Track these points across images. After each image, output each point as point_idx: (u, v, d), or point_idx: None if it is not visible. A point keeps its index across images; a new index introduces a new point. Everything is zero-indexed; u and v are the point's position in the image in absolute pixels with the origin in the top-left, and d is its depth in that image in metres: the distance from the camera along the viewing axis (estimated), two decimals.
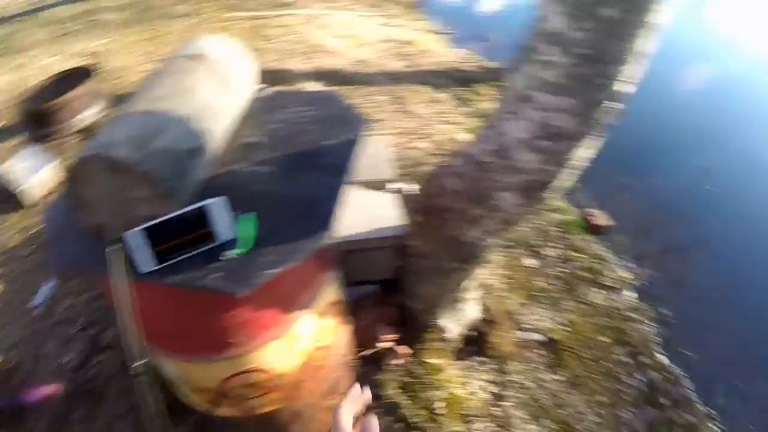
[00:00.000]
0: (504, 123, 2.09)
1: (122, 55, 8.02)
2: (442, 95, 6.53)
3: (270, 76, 5.24)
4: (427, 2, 10.35)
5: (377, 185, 3.51)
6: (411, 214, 2.98)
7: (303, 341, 2.24)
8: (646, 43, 1.79)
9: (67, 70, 4.28)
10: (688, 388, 3.96)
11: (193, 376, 2.23)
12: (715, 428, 3.74)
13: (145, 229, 1.61)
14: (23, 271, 4.62)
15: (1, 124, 6.34)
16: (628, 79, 1.90)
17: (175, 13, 9.47)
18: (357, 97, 6.19)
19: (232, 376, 2.15)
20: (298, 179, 1.98)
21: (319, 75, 6.42)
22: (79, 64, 5.87)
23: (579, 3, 1.64)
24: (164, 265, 1.67)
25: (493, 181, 2.23)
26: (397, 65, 7.25)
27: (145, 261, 1.65)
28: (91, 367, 3.75)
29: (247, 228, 1.74)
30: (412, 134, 5.74)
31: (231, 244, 1.72)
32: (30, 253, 4.77)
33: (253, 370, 2.15)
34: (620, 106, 1.97)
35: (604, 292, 4.44)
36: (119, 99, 4.50)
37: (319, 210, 1.84)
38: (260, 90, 2.53)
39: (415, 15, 9.44)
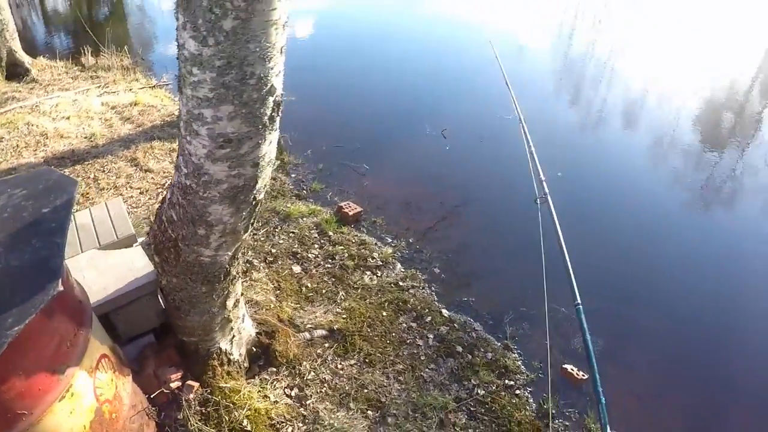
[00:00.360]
0: (186, 145, 2.32)
1: None
2: (174, 145, 6.73)
3: (5, 176, 5.16)
4: (141, 62, 10.44)
5: (124, 243, 3.63)
6: (152, 256, 3.13)
7: (86, 398, 2.38)
8: (281, 38, 2.09)
9: None
10: (478, 330, 4.35)
11: None
12: (514, 354, 4.16)
13: None
14: None
15: None
16: (279, 73, 2.19)
17: None
18: (95, 171, 6.20)
19: None
20: (22, 250, 2.14)
21: (54, 160, 6.35)
22: None
23: (202, 23, 1.89)
24: None
25: (199, 200, 2.45)
26: (125, 129, 7.34)
27: None
28: None
29: None
30: (156, 189, 5.86)
31: None
32: None
33: None
34: (279, 99, 2.25)
35: (373, 272, 4.77)
36: None
37: (44, 268, 2.03)
38: None
39: (132, 76, 9.55)
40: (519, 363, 4.11)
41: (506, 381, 3.93)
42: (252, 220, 2.69)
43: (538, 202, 3.91)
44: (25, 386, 2.12)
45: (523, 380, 3.96)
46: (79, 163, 6.30)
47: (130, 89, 8.98)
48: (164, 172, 6.19)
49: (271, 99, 2.18)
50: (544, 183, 3.96)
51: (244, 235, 2.73)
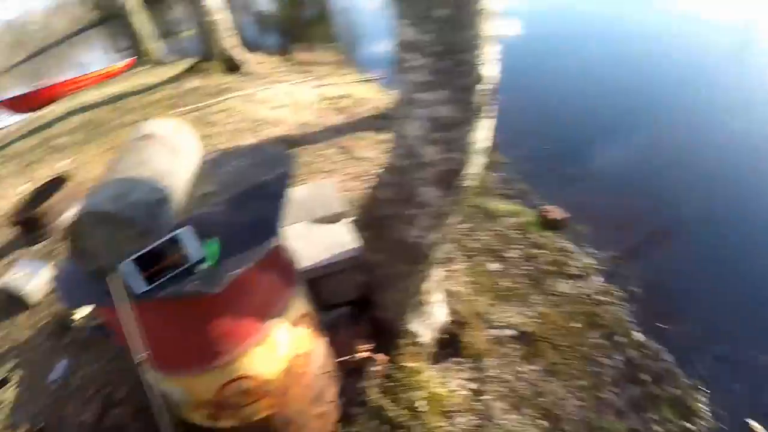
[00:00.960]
0: (402, 127, 2.50)
1: (86, 169, 8.58)
2: (384, 136, 7.02)
3: None
4: (352, 56, 10.91)
5: (332, 219, 3.92)
6: (359, 232, 3.36)
7: (282, 348, 2.71)
8: (491, 28, 2.21)
9: (44, 183, 4.83)
10: (669, 362, 4.15)
11: (193, 389, 2.68)
12: (702, 398, 3.91)
13: (133, 260, 2.12)
14: (38, 357, 5.19)
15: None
16: (490, 62, 2.31)
17: (125, 123, 10.13)
18: (307, 156, 6.71)
19: (226, 384, 2.61)
20: (247, 209, 2.52)
21: (270, 144, 6.87)
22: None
23: (416, 12, 2.06)
24: (153, 285, 2.18)
25: (411, 180, 2.63)
26: (337, 119, 7.81)
27: (138, 285, 2.16)
28: (108, 420, 4.15)
29: (212, 248, 2.26)
30: (364, 177, 6.22)
31: (201, 262, 2.23)
32: (42, 342, 5.31)
33: (242, 377, 2.61)
34: (492, 86, 2.37)
35: (571, 281, 4.76)
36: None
37: (266, 225, 2.37)
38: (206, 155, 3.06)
39: (343, 70, 10.10)
40: (705, 408, 3.88)
41: (686, 424, 3.73)
42: (458, 206, 2.81)
43: None
44: (232, 327, 2.46)
45: (704, 427, 3.75)
46: (293, 147, 6.78)
47: (342, 83, 9.50)
48: (373, 161, 6.52)
49: (480, 87, 2.30)
50: None
51: (450, 219, 2.87)
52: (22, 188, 8.96)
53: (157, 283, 2.19)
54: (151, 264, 2.17)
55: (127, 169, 2.46)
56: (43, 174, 9.18)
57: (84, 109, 11.96)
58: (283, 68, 10.88)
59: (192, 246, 2.20)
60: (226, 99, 9.54)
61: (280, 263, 2.72)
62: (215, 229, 2.39)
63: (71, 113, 11.96)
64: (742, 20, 11.18)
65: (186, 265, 2.21)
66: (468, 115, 2.35)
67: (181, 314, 2.36)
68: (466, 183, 2.69)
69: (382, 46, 12.42)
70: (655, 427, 3.64)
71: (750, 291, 4.55)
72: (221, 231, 2.38)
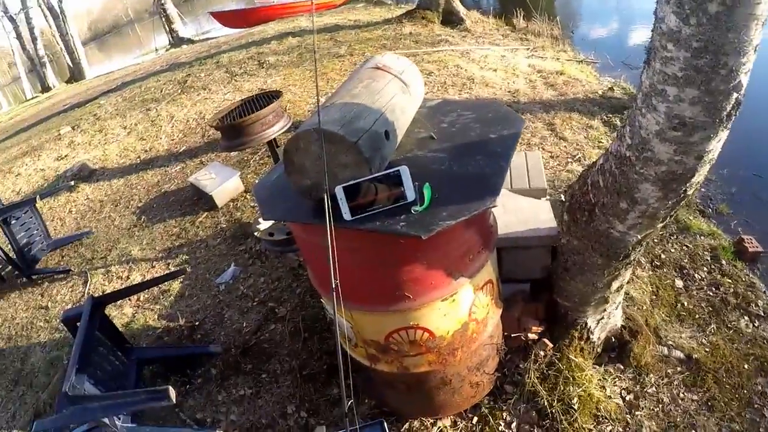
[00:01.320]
0: (639, 118, 2.43)
1: (290, 90, 8.97)
2: (593, 122, 6.92)
3: None
4: (571, 35, 10.69)
5: (535, 193, 3.90)
6: (561, 213, 3.32)
7: (462, 309, 2.74)
8: (759, 35, 2.10)
9: (257, 93, 5.07)
10: None
11: (366, 327, 2.77)
12: None
13: (348, 186, 2.20)
14: (211, 257, 5.60)
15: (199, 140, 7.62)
16: (747, 71, 2.20)
17: (333, 53, 10.44)
18: None
19: (398, 330, 2.68)
20: (466, 162, 2.52)
21: None
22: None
23: (687, 1, 1.97)
24: (359, 216, 2.24)
25: (634, 174, 2.56)
26: (548, 94, 7.69)
27: (346, 212, 2.23)
28: (264, 332, 4.38)
29: (426, 192, 2.28)
30: (566, 157, 6.14)
31: (412, 204, 2.25)
32: (218, 244, 5.71)
33: (417, 327, 2.67)
34: (742, 95, 2.26)
35: (752, 320, 4.52)
36: (296, 125, 5.27)
37: (485, 182, 2.36)
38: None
39: (560, 47, 9.92)
40: None
41: None
42: (673, 212, 2.73)
43: None
44: (423, 275, 2.49)
45: None
46: None
47: (557, 58, 9.38)
48: (577, 144, 6.42)
49: (735, 95, 2.21)
50: None
51: (660, 224, 2.78)
52: (226, 96, 9.50)
53: (364, 214, 2.23)
54: (363, 195, 2.22)
55: (358, 96, 2.51)
56: (249, 87, 9.68)
57: (297, 34, 12.44)
58: (500, 32, 10.85)
59: (407, 186, 2.23)
60: (440, 51, 9.62)
61: (484, 225, 2.73)
62: (431, 175, 2.40)
63: (284, 35, 12.46)
64: None
65: (397, 204, 2.25)
66: (714, 121, 2.25)
67: (380, 250, 2.41)
68: (690, 191, 2.60)
69: (600, 30, 12.14)
70: None
71: None
72: (437, 178, 2.39)
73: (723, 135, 2.39)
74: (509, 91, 7.75)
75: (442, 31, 10.83)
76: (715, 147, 2.42)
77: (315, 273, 2.99)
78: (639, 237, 2.85)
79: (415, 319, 2.63)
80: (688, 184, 2.53)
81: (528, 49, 9.85)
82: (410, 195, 2.24)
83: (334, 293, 1.76)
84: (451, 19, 11.14)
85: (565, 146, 6.37)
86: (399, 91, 2.69)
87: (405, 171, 2.21)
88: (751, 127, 7.80)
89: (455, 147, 2.63)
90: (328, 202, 1.97)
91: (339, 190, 2.19)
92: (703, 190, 6.31)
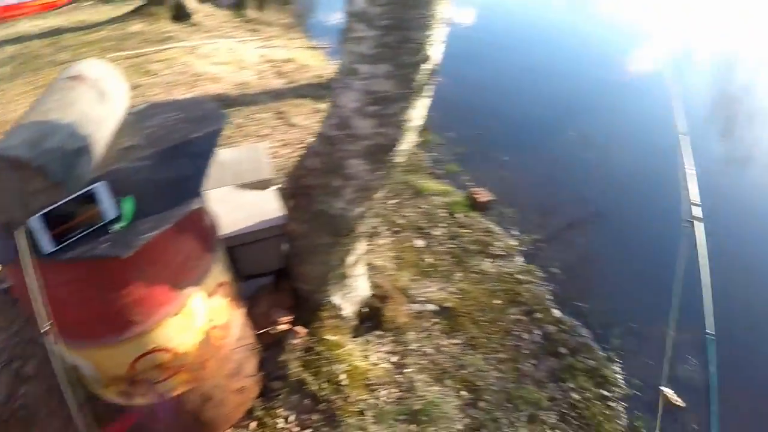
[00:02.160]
0: (339, 97, 2.45)
1: (10, 107, 8.15)
2: (323, 105, 6.89)
3: None
4: (303, 22, 10.79)
5: (260, 185, 3.82)
6: (284, 201, 3.29)
7: (198, 319, 2.56)
8: (445, 10, 2.18)
9: None
10: (585, 336, 4.28)
11: (105, 363, 2.50)
12: (616, 368, 4.06)
13: (43, 215, 1.93)
14: None
15: None
16: (436, 43, 2.28)
17: (58, 61, 9.59)
18: (242, 117, 6.51)
19: (139, 358, 2.44)
20: (169, 166, 2.34)
21: None
22: None
23: None
24: (62, 245, 1.99)
25: (341, 152, 2.57)
26: (277, 83, 7.62)
27: (46, 243, 1.96)
28: (16, 400, 3.97)
29: (126, 207, 2.08)
30: (297, 144, 6.08)
31: (114, 221, 2.05)
32: None
33: (156, 350, 2.45)
34: (434, 66, 2.34)
35: (493, 260, 4.79)
36: None
37: (186, 185, 2.21)
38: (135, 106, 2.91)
39: (291, 35, 9.92)
40: (618, 376, 4.01)
41: (603, 391, 3.85)
42: (386, 182, 2.78)
43: (687, 224, 3.71)
44: (146, 295, 2.29)
45: (619, 394, 3.87)
46: (227, 107, 6.60)
47: (287, 46, 9.31)
48: (308, 129, 6.39)
49: (425, 66, 2.26)
50: (697, 206, 3.73)
51: (376, 194, 2.83)
52: None
53: (66, 242, 1.99)
54: (62, 221, 1.97)
55: (49, 111, 2.22)
56: None
57: (16, 40, 11.29)
58: (232, 24, 10.62)
59: (105, 203, 2.02)
60: (168, 48, 9.25)
61: (199, 227, 2.57)
62: (133, 186, 2.19)
63: (2, 43, 11.37)
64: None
65: (99, 224, 2.03)
66: (406, 92, 2.30)
67: (89, 278, 2.15)
68: (396, 159, 2.66)
69: (333, 16, 12.33)
70: (573, 395, 3.73)
71: (658, 274, 4.72)
72: (139, 188, 2.20)
73: (421, 103, 2.45)
74: (238, 84, 7.60)
75: (171, 27, 10.37)
76: (415, 115, 2.47)
77: (35, 318, 2.72)
78: (359, 210, 2.88)
79: (153, 342, 2.43)
80: (394, 153, 2.58)
81: (258, 39, 9.74)
82: (110, 213, 2.03)
83: (46, 337, 1.60)
84: (182, 14, 10.70)
85: (296, 132, 6.33)
86: (94, 101, 2.45)
87: (101, 188, 2.01)
88: (472, 92, 8.36)
89: (160, 152, 2.44)
90: (20, 239, 1.77)
91: (35, 221, 1.93)
92: (434, 154, 6.61)
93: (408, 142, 2.59)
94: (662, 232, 5.12)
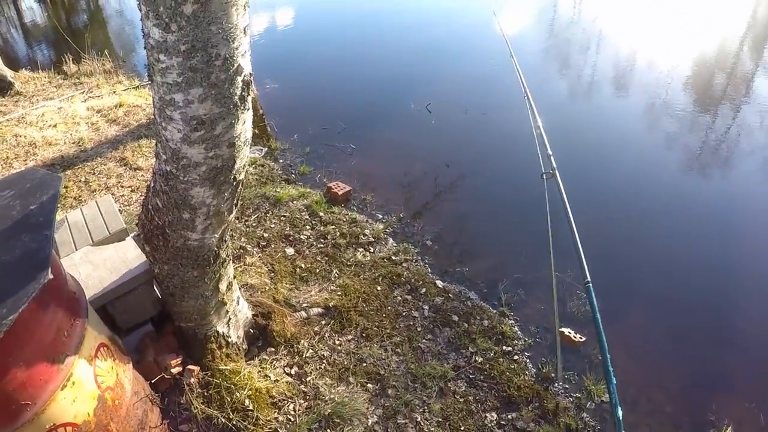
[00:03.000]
0: (163, 132, 2.40)
1: None
2: None
3: None
4: (123, 65, 10.55)
5: (116, 237, 3.73)
6: (142, 246, 3.22)
7: (88, 386, 2.46)
8: (243, 18, 2.16)
9: None
10: (473, 299, 4.40)
11: None
12: (511, 321, 4.21)
13: None
14: None
15: None
16: (245, 53, 2.26)
17: None
18: (85, 174, 6.27)
19: None
20: (13, 246, 2.24)
21: (45, 168, 6.43)
22: None
23: (163, 11, 1.96)
24: None
25: (181, 184, 2.53)
26: (112, 131, 7.41)
27: None
28: None
29: None
30: (146, 186, 5.91)
31: None
32: None
33: (57, 427, 2.36)
34: (249, 77, 2.32)
35: (365, 249, 4.84)
36: None
37: (34, 259, 2.11)
38: None
39: (114, 80, 9.65)
40: (516, 329, 4.16)
41: (504, 347, 3.98)
42: (235, 201, 2.74)
43: (545, 177, 3.78)
44: (27, 376, 2.21)
45: (520, 346, 4.01)
46: (69, 168, 6.37)
47: (114, 92, 9.08)
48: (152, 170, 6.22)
49: (239, 78, 2.23)
50: (552, 158, 3.85)
51: (229, 216, 2.79)
52: None
53: None
54: None
55: None
56: None
57: None
58: (54, 83, 10.19)
59: None
60: None
61: (60, 297, 2.51)
62: None
63: None
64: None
65: None
66: (228, 109, 2.28)
67: None
68: (239, 177, 2.64)
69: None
70: (477, 359, 3.84)
71: (523, 223, 4.93)
72: None
73: (246, 116, 2.42)
74: (74, 142, 7.31)
75: None
76: (243, 129, 2.45)
77: None
78: (217, 236, 2.85)
79: (50, 421, 2.34)
80: (235, 172, 2.57)
81: (83, 92, 9.35)
82: None
83: None
84: (0, 87, 10.21)
85: (142, 175, 6.17)
86: None
87: None
88: (303, 91, 8.40)
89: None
90: None
91: None
92: (282, 160, 6.60)
93: (243, 157, 2.58)
94: (524, 187, 5.30)
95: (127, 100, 8.39)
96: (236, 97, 2.27)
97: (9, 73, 10.15)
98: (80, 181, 6.01)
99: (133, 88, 9.22)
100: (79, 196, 5.66)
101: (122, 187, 5.97)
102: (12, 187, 2.66)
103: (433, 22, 11.33)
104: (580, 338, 4.07)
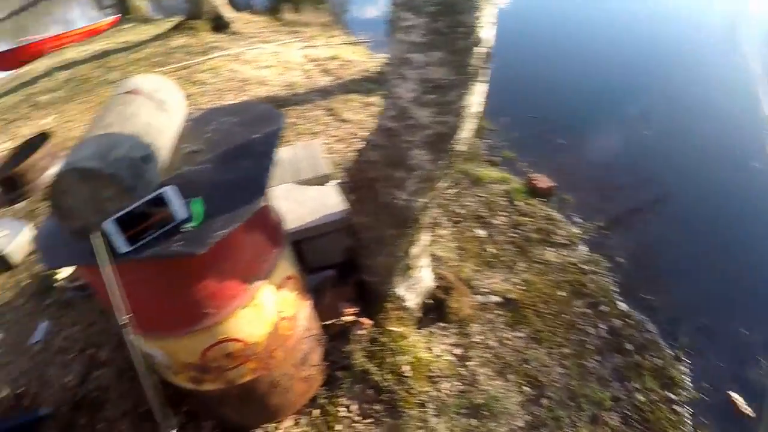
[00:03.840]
0: (394, 88, 2.45)
1: (68, 127, 8.49)
2: (371, 99, 7.05)
3: None
4: (340, 19, 10.86)
5: (319, 181, 3.89)
6: (346, 195, 3.32)
7: (268, 311, 2.69)
8: None
9: (25, 141, 4.76)
10: (652, 332, 4.20)
11: (178, 352, 2.66)
12: (684, 368, 3.96)
13: (116, 219, 2.07)
14: (20, 318, 5.17)
15: None
16: (487, 25, 2.25)
17: (109, 80, 10.00)
18: (293, 117, 6.64)
19: (210, 347, 2.59)
20: (233, 168, 2.45)
21: None
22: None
23: None
24: (136, 246, 2.13)
25: (402, 143, 2.58)
26: (324, 81, 7.75)
27: (121, 244, 2.11)
28: (90, 381, 4.14)
29: (196, 207, 2.20)
30: (351, 139, 6.20)
31: (185, 222, 2.17)
32: (23, 303, 5.28)
33: (227, 340, 2.60)
34: (487, 49, 2.32)
35: (556, 249, 4.77)
36: None
37: (252, 184, 2.31)
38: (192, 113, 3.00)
39: (331, 32, 10.07)
40: (686, 378, 3.93)
41: (668, 393, 3.78)
42: (448, 171, 2.77)
43: None
44: (218, 288, 2.41)
45: (685, 397, 3.80)
46: (279, 108, 6.67)
47: (329, 45, 9.44)
48: (360, 124, 6.51)
49: (477, 49, 2.24)
50: None
51: (439, 184, 2.83)
52: (3, 146, 8.86)
53: (140, 243, 2.14)
54: (135, 223, 2.11)
55: (111, 125, 2.38)
56: (26, 132, 9.08)
57: (67, 66, 11.78)
58: (271, 28, 10.80)
59: (176, 205, 2.15)
60: (213, 58, 9.45)
61: (266, 224, 2.68)
62: (201, 188, 2.34)
63: (54, 70, 11.78)
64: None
65: (170, 225, 2.16)
66: (462, 78, 2.30)
67: (164, 275, 2.32)
68: (458, 147, 2.65)
69: (370, 10, 12.37)
70: (638, 396, 3.67)
71: (733, 264, 4.60)
72: (207, 190, 2.33)
73: (478, 89, 2.44)
74: (286, 86, 7.73)
75: (212, 38, 10.62)
76: (473, 101, 2.47)
77: (112, 311, 2.85)
78: (423, 201, 2.90)
79: (224, 333, 2.56)
80: (455, 141, 2.58)
81: (299, 40, 9.87)
82: (181, 214, 2.16)
83: (124, 329, 1.67)
84: (221, 24, 10.94)
85: (348, 127, 6.44)
86: (154, 112, 2.57)
87: (169, 191, 2.14)
88: (516, 74, 8.24)
89: (221, 155, 2.56)
90: (97, 241, 1.88)
91: (109, 225, 2.08)
92: (488, 141, 6.59)
93: (467, 129, 2.59)
94: (734, 215, 4.96)
95: (342, 53, 8.73)
96: (472, 68, 2.27)
97: (230, 14, 10.82)
98: (288, 122, 6.27)
99: (349, 43, 9.50)
100: (285, 136, 5.90)
101: (327, 135, 6.31)
102: (236, 115, 2.87)
103: (683, 35, 10.71)
104: (749, 412, 3.76)
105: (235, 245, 2.37)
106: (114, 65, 10.78)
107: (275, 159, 2.47)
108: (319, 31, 10.37)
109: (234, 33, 10.62)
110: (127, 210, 2.09)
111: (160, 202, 2.12)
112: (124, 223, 2.09)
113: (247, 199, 2.22)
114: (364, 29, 10.36)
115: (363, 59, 8.70)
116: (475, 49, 2.26)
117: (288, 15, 11.07)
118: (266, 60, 8.85)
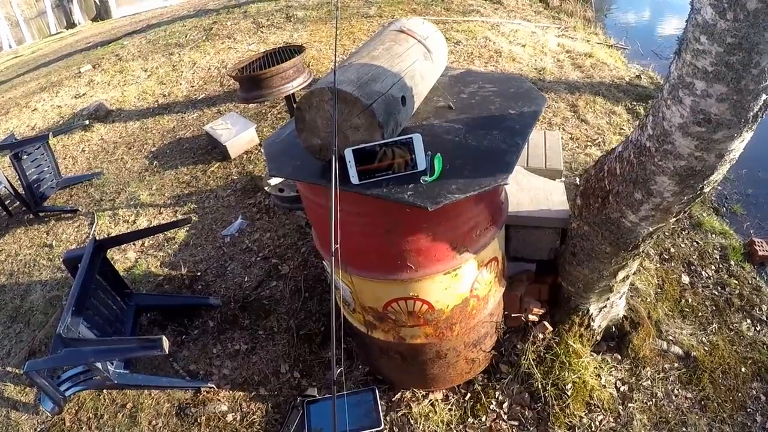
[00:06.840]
0: (663, 109, 2.37)
1: (315, 47, 8.91)
2: (617, 107, 6.84)
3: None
4: (604, 19, 10.61)
5: (550, 173, 3.86)
6: (574, 197, 3.28)
7: (464, 284, 2.73)
8: None
9: (280, 47, 5.03)
10: None
11: (365, 293, 2.76)
12: None
13: (357, 149, 2.15)
14: (219, 208, 5.59)
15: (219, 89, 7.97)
16: None
17: (362, 13, 10.35)
18: None
19: (397, 299, 2.67)
20: (482, 135, 2.46)
21: None
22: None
23: None
24: (366, 181, 2.20)
25: (652, 165, 2.51)
26: (574, 76, 7.60)
27: (354, 175, 2.18)
28: (265, 289, 4.38)
29: (436, 163, 2.22)
30: (586, 140, 6.09)
31: (422, 174, 2.20)
32: (227, 195, 5.69)
33: (416, 299, 2.66)
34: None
35: (754, 323, 4.49)
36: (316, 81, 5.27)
37: (499, 159, 2.30)
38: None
39: (591, 29, 9.86)
40: None
41: None
42: (687, 208, 2.68)
43: None
44: (428, 248, 2.46)
45: None
46: None
47: (588, 40, 9.29)
48: (599, 128, 6.37)
49: (765, 96, 2.13)
50: None
51: (673, 218, 2.74)
52: (250, 47, 9.44)
53: (373, 179, 2.20)
54: (371, 159, 2.17)
55: (378, 58, 2.44)
56: (274, 39, 9.61)
57: None
58: (534, 9, 10.75)
59: (419, 154, 2.18)
60: (470, 21, 9.53)
61: (494, 201, 2.69)
62: (444, 146, 2.35)
63: None
64: None
65: (405, 172, 2.20)
66: (738, 121, 2.19)
67: (385, 218, 2.38)
68: (706, 189, 2.55)
69: (635, 18, 12.02)
70: None
71: None
72: (450, 149, 2.34)
73: (747, 135, 2.33)
74: (536, 68, 7.69)
75: (474, 0, 10.70)
76: (738, 147, 2.36)
77: (318, 234, 2.98)
78: (650, 229, 2.81)
79: (415, 291, 2.61)
80: (705, 182, 2.48)
81: (559, 28, 9.75)
82: (421, 164, 2.19)
83: (333, 257, 1.73)
84: None
85: (586, 129, 6.32)
86: (421, 57, 2.62)
87: (418, 139, 2.16)
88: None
89: (473, 119, 2.57)
90: (335, 164, 1.92)
91: (348, 153, 2.15)
92: (719, 188, 6.24)
93: (721, 173, 2.48)
94: None
95: (598, 53, 8.53)
96: (752, 113, 2.16)
97: None
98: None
99: (607, 45, 9.29)
100: None
101: (564, 130, 6.26)
102: (496, 85, 2.85)
103: None
104: None
105: (461, 213, 2.40)
106: (373, 1, 11.11)
107: (527, 140, 2.47)
108: (580, 24, 10.20)
109: (496, 2, 10.64)
110: (371, 144, 2.15)
111: (404, 146, 2.16)
112: (361, 156, 2.15)
113: (490, 171, 2.20)
114: (623, 35, 10.10)
115: (618, 65, 8.46)
116: (763, 96, 2.15)
117: (555, 1, 10.99)
118: (522, 38, 8.83)
